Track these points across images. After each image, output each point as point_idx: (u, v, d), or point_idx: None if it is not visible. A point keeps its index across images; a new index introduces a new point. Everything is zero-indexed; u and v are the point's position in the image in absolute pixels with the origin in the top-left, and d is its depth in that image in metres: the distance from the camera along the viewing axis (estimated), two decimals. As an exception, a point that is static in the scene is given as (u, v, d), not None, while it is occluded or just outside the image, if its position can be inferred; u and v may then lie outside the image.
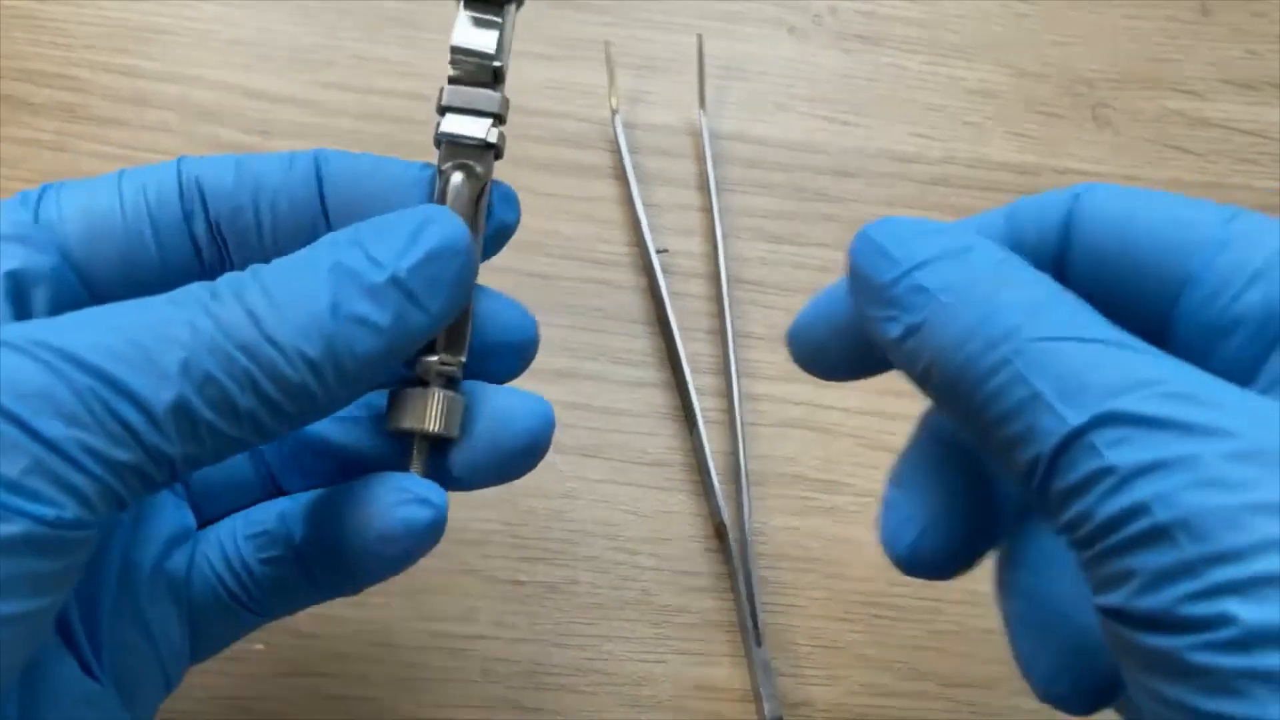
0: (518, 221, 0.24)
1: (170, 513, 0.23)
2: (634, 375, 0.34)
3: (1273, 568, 0.14)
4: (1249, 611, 0.14)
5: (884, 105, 0.39)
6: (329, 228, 0.22)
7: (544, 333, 0.34)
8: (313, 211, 0.22)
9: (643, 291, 0.35)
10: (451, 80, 0.22)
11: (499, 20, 0.23)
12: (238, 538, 0.22)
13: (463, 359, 0.22)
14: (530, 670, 0.30)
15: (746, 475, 0.32)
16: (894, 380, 0.34)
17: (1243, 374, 0.18)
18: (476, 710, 0.29)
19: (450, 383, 0.22)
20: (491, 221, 0.23)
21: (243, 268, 0.21)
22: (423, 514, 0.20)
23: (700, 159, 0.37)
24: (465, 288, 0.21)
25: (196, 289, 0.19)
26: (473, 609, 0.30)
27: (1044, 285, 0.18)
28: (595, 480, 0.32)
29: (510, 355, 0.23)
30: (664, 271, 0.34)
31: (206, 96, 0.37)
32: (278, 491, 0.24)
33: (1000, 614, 0.21)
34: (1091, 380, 0.16)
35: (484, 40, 0.22)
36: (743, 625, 0.30)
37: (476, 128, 0.22)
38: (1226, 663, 0.14)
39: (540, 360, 0.33)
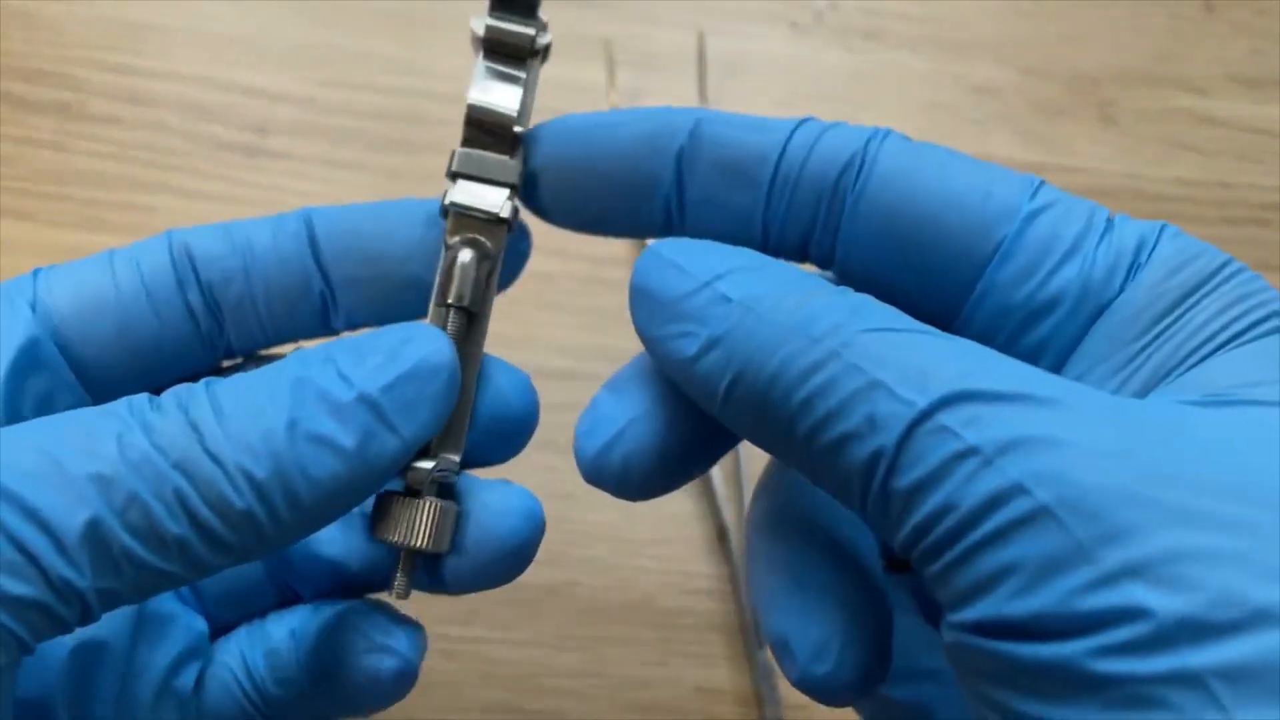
0: (527, 250, 0.23)
1: (181, 626, 0.21)
2: (634, 375, 0.34)
3: (1183, 543, 0.12)
4: (1161, 599, 0.12)
5: (887, 103, 0.39)
6: (328, 288, 0.21)
7: (544, 332, 0.34)
8: (305, 271, 0.21)
9: (643, 291, 0.35)
10: (465, 142, 0.20)
11: (522, 76, 0.20)
12: (255, 653, 0.21)
13: (457, 459, 0.20)
14: (531, 673, 0.30)
15: (748, 477, 0.32)
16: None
17: (1059, 352, 0.17)
18: (476, 713, 0.29)
19: (443, 489, 0.20)
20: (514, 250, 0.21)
21: (239, 339, 0.21)
22: (387, 664, 0.19)
23: (701, 157, 0.37)
24: (444, 411, 0.18)
25: (139, 399, 0.17)
26: (473, 612, 0.30)
27: (851, 293, 0.16)
28: (595, 481, 0.32)
29: (508, 438, 0.21)
30: (665, 271, 0.34)
31: (204, 94, 0.37)
32: (291, 593, 0.22)
33: (749, 580, 0.19)
34: (932, 364, 0.14)
35: (506, 99, 0.20)
36: (744, 628, 0.30)
37: (490, 200, 0.20)
38: (1140, 667, 0.12)
39: (540, 360, 0.33)
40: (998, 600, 0.13)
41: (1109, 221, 0.18)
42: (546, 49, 0.21)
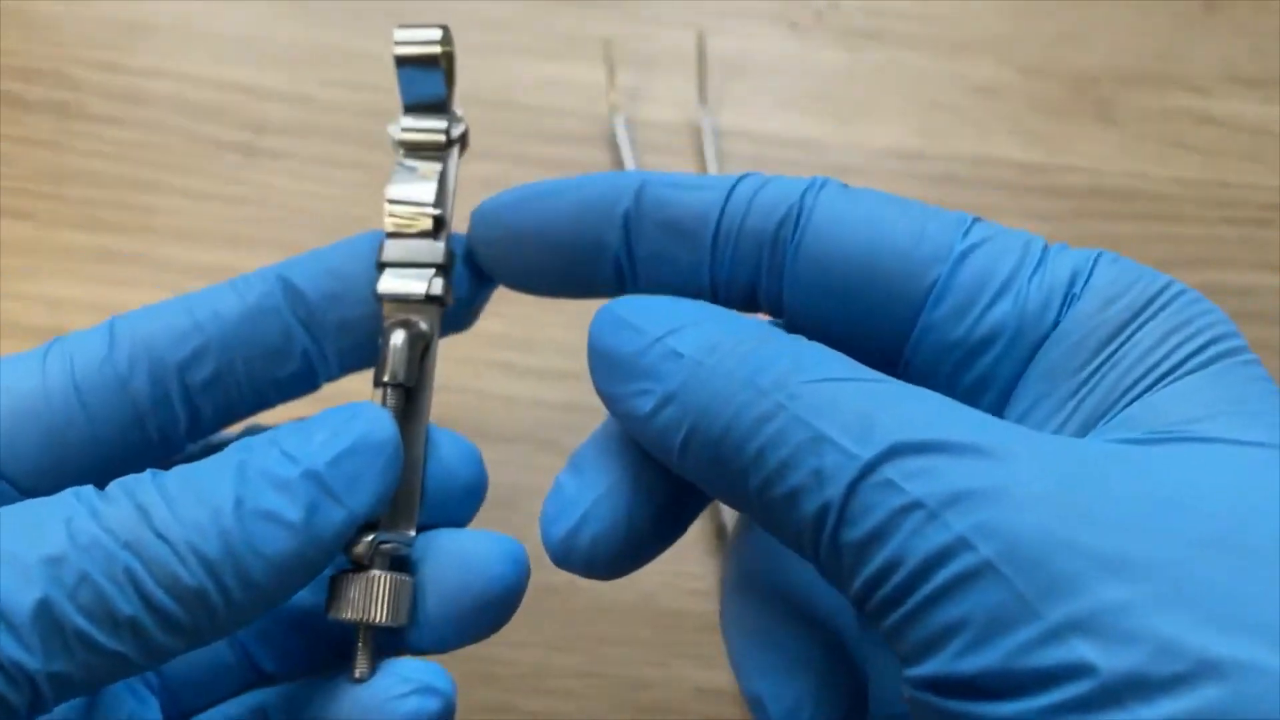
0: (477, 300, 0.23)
1: (127, 711, 0.20)
2: (634, 375, 0.34)
3: (1122, 593, 0.12)
4: (1104, 655, 0.12)
5: (887, 103, 0.39)
6: (313, 341, 0.21)
7: (544, 333, 0.34)
8: (285, 329, 0.21)
9: (643, 290, 0.35)
10: (390, 234, 0.21)
11: (439, 167, 0.22)
12: None
13: (412, 534, 0.20)
14: (530, 674, 0.30)
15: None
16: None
17: (1000, 389, 0.17)
18: (477, 713, 0.29)
19: (396, 563, 0.19)
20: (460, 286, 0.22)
21: (217, 415, 0.21)
22: (431, 705, 0.19)
23: (701, 157, 0.37)
24: (388, 483, 0.19)
25: (85, 489, 0.17)
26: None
27: (799, 341, 0.17)
28: (595, 481, 0.32)
29: (457, 506, 0.21)
30: (665, 270, 0.34)
31: (201, 94, 0.36)
32: (255, 672, 0.21)
33: (723, 636, 0.19)
34: (876, 415, 0.14)
35: (421, 191, 0.21)
36: (745, 628, 0.30)
37: (417, 284, 0.21)
38: None
39: (540, 360, 0.33)
40: (947, 658, 0.13)
41: (1044, 252, 0.18)
42: (463, 136, 0.22)
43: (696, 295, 0.19)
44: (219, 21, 0.38)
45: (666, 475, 0.18)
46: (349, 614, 0.19)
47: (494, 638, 0.30)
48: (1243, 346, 0.16)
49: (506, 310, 0.34)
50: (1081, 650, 0.12)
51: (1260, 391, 0.15)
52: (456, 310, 0.22)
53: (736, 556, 0.20)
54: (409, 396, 0.21)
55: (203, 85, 0.37)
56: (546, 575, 0.31)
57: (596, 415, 0.33)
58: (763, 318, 0.19)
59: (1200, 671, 0.11)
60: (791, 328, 0.18)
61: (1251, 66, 0.40)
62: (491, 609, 0.20)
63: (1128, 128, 0.39)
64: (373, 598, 0.19)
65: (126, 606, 0.16)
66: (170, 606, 0.16)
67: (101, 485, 0.18)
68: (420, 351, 0.21)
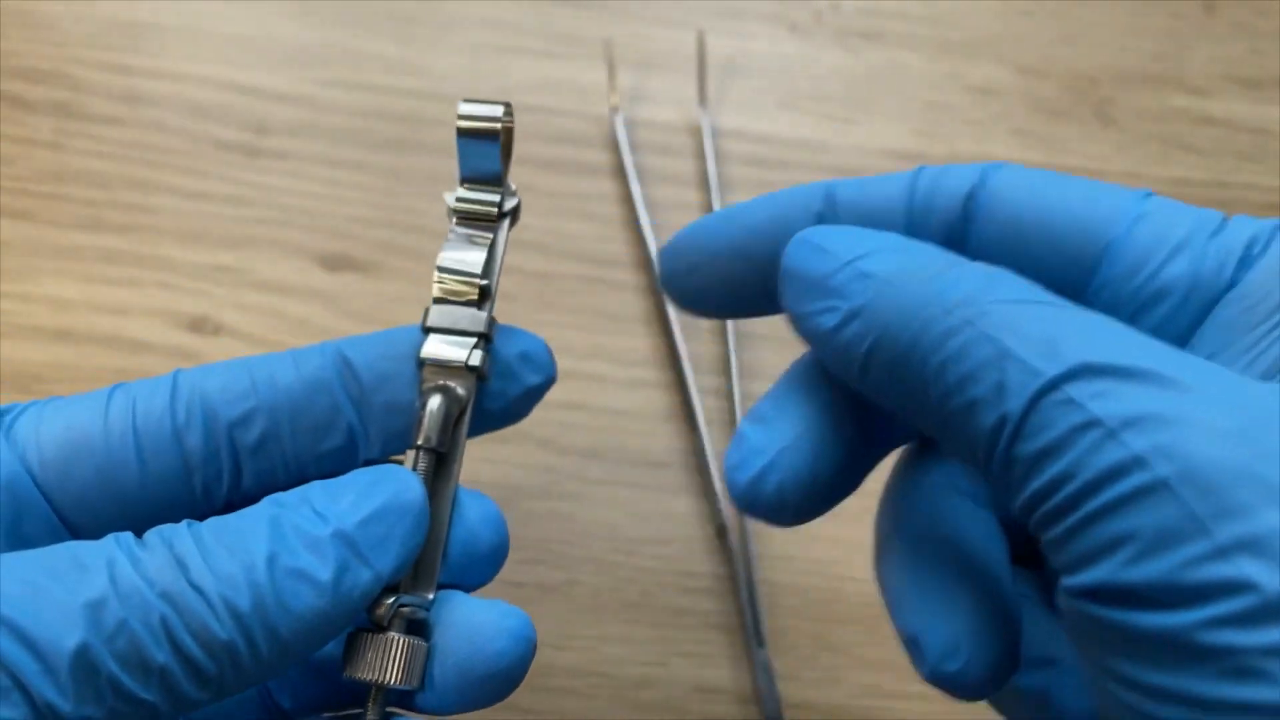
0: (549, 380, 0.23)
1: None
2: (634, 375, 0.34)
3: None
4: (1270, 574, 0.12)
5: (886, 103, 0.39)
6: (358, 418, 0.21)
7: (544, 332, 0.34)
8: (334, 403, 0.21)
9: (643, 291, 0.35)
10: (436, 300, 0.22)
11: (489, 237, 0.22)
12: None
13: (430, 597, 0.20)
14: (531, 672, 0.30)
15: (747, 476, 0.32)
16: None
17: (1172, 342, 0.17)
18: (476, 713, 0.29)
19: (413, 626, 0.20)
20: (516, 383, 0.22)
21: (258, 479, 0.21)
22: None
23: (701, 157, 0.37)
24: (415, 545, 0.19)
25: (124, 535, 0.17)
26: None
27: (991, 267, 0.17)
28: (595, 481, 0.32)
29: (479, 569, 0.22)
30: (664, 270, 0.34)
31: (201, 94, 0.37)
32: (273, 709, 0.22)
33: (879, 580, 0.20)
34: (1062, 336, 0.15)
35: (471, 260, 0.22)
36: (744, 627, 0.30)
37: (459, 351, 0.21)
38: (1246, 640, 0.12)
39: (540, 360, 0.33)
40: (1112, 567, 0.13)
41: (1223, 221, 0.18)
42: (515, 210, 0.23)
43: None
44: (221, 22, 0.38)
45: (848, 424, 0.19)
46: (365, 674, 0.19)
47: (494, 636, 0.30)
48: None
49: (505, 310, 0.34)
50: (1247, 569, 0.12)
51: None
52: (506, 407, 0.23)
53: (894, 502, 0.21)
54: (439, 461, 0.21)
55: (204, 86, 0.37)
56: (547, 575, 0.31)
57: (595, 414, 0.33)
58: None
59: None
60: None
61: (1250, 67, 0.40)
62: (496, 682, 0.20)
63: (1127, 128, 0.39)
64: (388, 660, 0.19)
65: (159, 655, 0.16)
66: (200, 657, 0.16)
67: (139, 532, 0.18)
68: (455, 418, 0.21)
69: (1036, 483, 0.14)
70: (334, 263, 0.34)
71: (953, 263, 0.17)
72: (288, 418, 0.21)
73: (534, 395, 0.23)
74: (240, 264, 0.34)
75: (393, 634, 0.19)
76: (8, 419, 0.20)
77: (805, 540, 0.32)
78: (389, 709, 0.20)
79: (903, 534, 0.20)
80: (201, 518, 0.21)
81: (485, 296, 0.22)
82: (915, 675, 0.30)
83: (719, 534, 0.31)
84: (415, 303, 0.34)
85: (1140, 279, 0.18)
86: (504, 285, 0.34)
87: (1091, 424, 0.14)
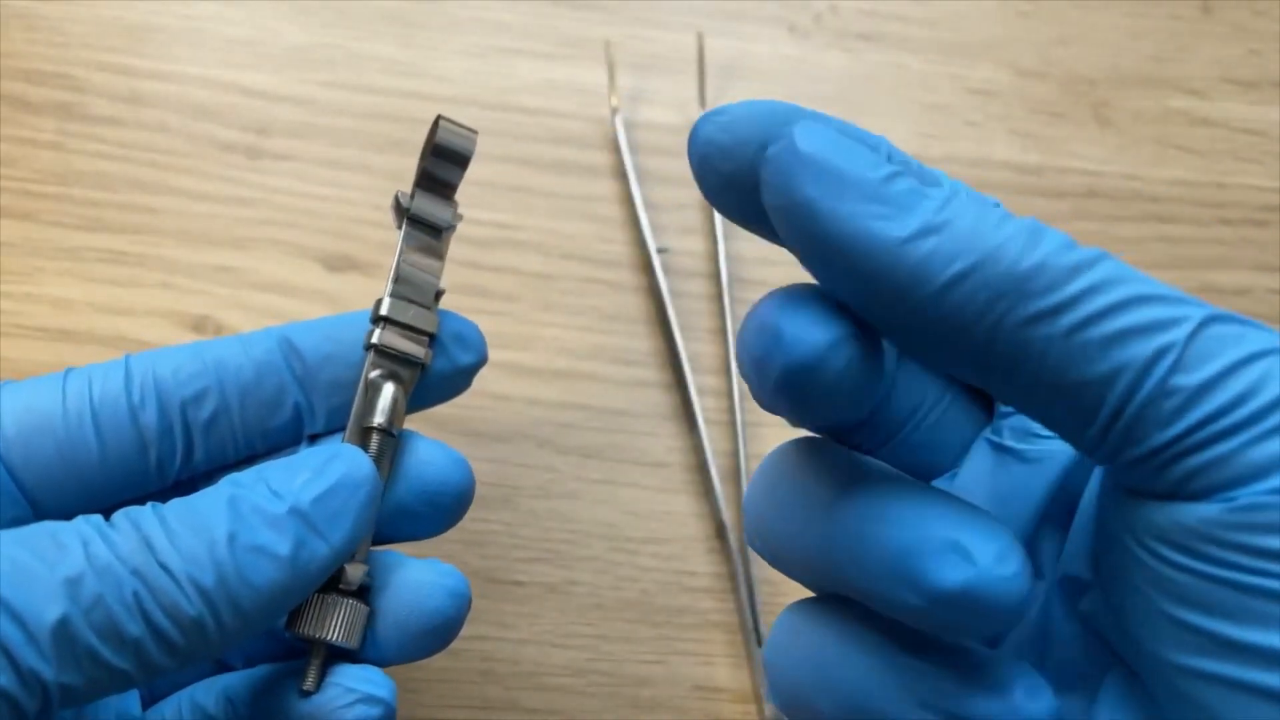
0: (481, 359, 0.24)
1: (111, 702, 0.22)
2: (634, 375, 0.34)
3: None
4: None
5: (885, 104, 0.39)
6: (304, 396, 0.23)
7: (544, 332, 0.34)
8: (280, 382, 0.23)
9: (643, 291, 0.35)
10: (392, 295, 0.23)
11: (439, 245, 0.24)
12: (188, 716, 0.22)
13: (365, 568, 0.22)
14: (530, 671, 0.30)
15: (746, 475, 0.32)
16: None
17: None
18: (476, 711, 0.29)
19: (356, 590, 0.21)
20: (448, 361, 0.24)
21: (209, 455, 0.22)
22: (373, 714, 0.20)
23: (700, 158, 0.37)
24: (367, 520, 0.21)
25: (94, 518, 0.18)
26: (473, 609, 0.30)
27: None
28: (595, 480, 0.32)
29: (438, 515, 0.23)
30: (664, 271, 0.34)
31: (203, 95, 0.37)
32: (221, 666, 0.23)
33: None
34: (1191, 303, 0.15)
35: (429, 265, 0.24)
36: (743, 626, 0.30)
37: (413, 346, 0.23)
38: None
39: (540, 360, 0.33)
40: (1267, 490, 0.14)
41: None
42: (456, 226, 0.25)
43: None
44: (223, 23, 0.38)
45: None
46: (307, 629, 0.21)
47: (494, 634, 0.30)
48: None
49: (504, 309, 0.34)
50: None
51: None
52: (441, 384, 0.24)
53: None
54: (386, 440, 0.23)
55: (206, 87, 0.37)
56: (546, 573, 0.31)
57: (597, 415, 0.33)
58: None
59: None
60: None
61: (1248, 69, 0.41)
62: (434, 637, 0.22)
63: (1125, 129, 0.39)
64: (330, 619, 0.21)
65: (133, 628, 0.17)
66: (170, 631, 0.17)
67: (100, 507, 0.19)
68: (405, 401, 0.23)
69: (1200, 411, 0.14)
70: (336, 263, 0.34)
71: (995, 204, 0.16)
72: (237, 396, 0.22)
73: (468, 373, 0.24)
74: (242, 264, 0.34)
75: (333, 596, 0.21)
76: None
77: (804, 540, 0.32)
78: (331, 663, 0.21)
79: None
80: (157, 494, 0.22)
81: (437, 298, 0.24)
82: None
83: (719, 533, 0.31)
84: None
85: None
86: (504, 285, 0.34)
87: (1267, 352, 0.14)
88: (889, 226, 0.15)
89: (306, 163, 0.36)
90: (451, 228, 0.24)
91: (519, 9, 0.39)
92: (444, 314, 0.24)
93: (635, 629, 0.30)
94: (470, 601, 0.22)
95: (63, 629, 0.16)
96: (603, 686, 0.30)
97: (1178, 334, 0.15)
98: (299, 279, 0.34)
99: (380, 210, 0.35)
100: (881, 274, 0.16)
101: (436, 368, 0.24)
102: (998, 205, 0.16)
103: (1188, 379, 0.14)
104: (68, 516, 0.20)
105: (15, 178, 0.35)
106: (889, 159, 0.17)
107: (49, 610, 0.16)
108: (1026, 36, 0.41)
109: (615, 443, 0.33)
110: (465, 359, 0.24)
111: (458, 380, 0.24)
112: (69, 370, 0.22)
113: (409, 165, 0.36)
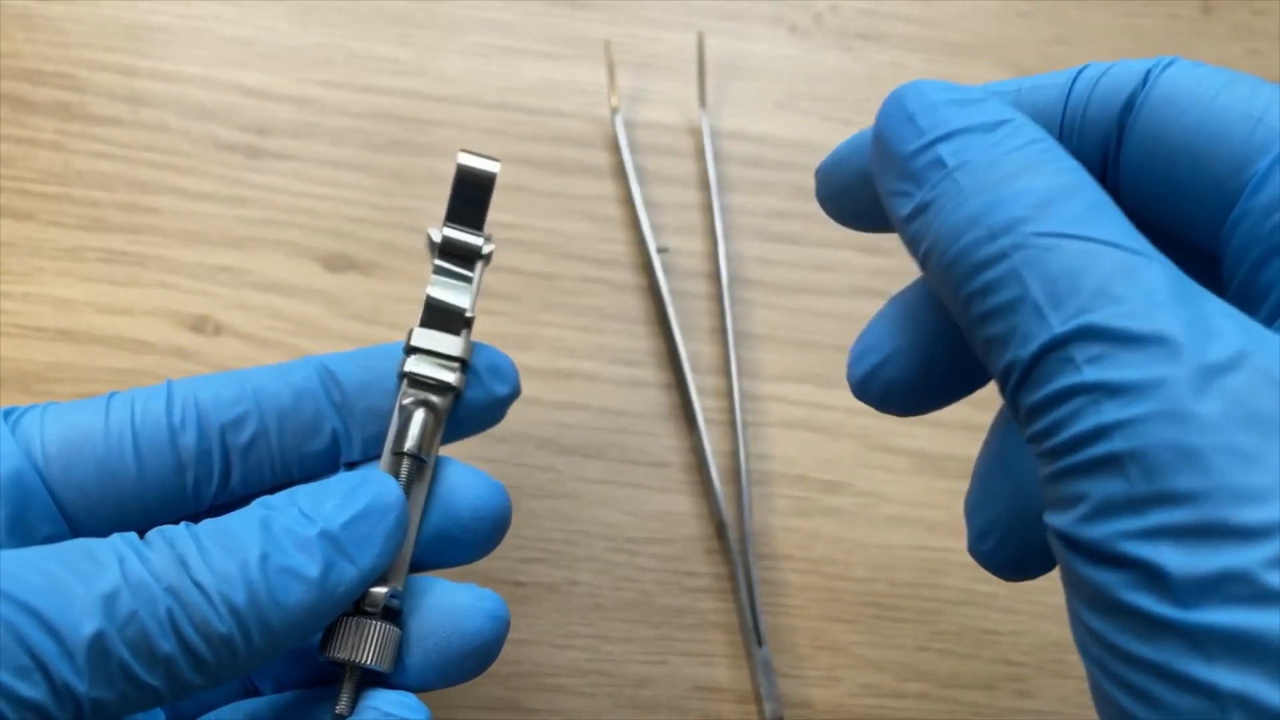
0: (515, 391, 0.25)
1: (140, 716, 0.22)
2: (634, 375, 0.34)
3: (1212, 516, 0.13)
4: (1179, 561, 0.13)
5: (885, 104, 0.39)
6: (342, 423, 0.23)
7: (544, 332, 0.34)
8: (318, 409, 0.23)
9: (643, 291, 0.35)
10: (423, 324, 0.24)
11: (472, 275, 0.25)
12: None
13: (400, 589, 0.22)
14: (531, 671, 0.30)
15: (747, 475, 0.32)
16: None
17: None
18: (476, 711, 0.29)
19: (387, 614, 0.22)
20: (483, 391, 0.24)
21: (246, 480, 0.23)
22: None
23: (701, 158, 0.37)
24: (395, 544, 0.21)
25: (129, 535, 0.19)
26: (472, 610, 0.30)
27: (1067, 174, 0.16)
28: (595, 480, 0.32)
29: (475, 543, 0.23)
30: (664, 271, 0.34)
31: (204, 95, 0.37)
32: (252, 692, 0.23)
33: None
34: (1083, 285, 0.15)
35: (457, 294, 0.24)
36: (743, 626, 0.30)
37: (443, 371, 0.24)
38: (1155, 609, 0.13)
39: (540, 360, 0.33)
40: (1070, 519, 0.15)
41: None
42: (490, 255, 0.25)
43: None
44: (223, 24, 0.38)
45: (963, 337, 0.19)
46: (340, 653, 0.21)
47: (494, 635, 0.30)
48: None
49: (505, 309, 0.34)
50: (1165, 555, 0.13)
51: None
52: (476, 415, 0.25)
53: (995, 423, 0.21)
54: (418, 467, 0.23)
55: (206, 87, 0.37)
56: (547, 573, 0.31)
57: (593, 414, 0.33)
58: None
59: (1257, 599, 0.13)
60: (1127, 213, 0.18)
61: (1248, 69, 0.40)
62: (471, 660, 0.22)
63: (1125, 129, 0.39)
64: (363, 643, 0.21)
65: (165, 645, 0.17)
66: (201, 648, 0.18)
67: (135, 527, 0.19)
68: (434, 429, 0.23)
69: (1031, 429, 0.15)
70: (335, 263, 0.34)
71: (1026, 165, 0.16)
72: (275, 421, 0.23)
73: (502, 404, 0.25)
74: (242, 264, 0.34)
75: (367, 619, 0.21)
76: (12, 417, 0.22)
77: (804, 539, 0.32)
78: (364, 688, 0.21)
79: (986, 445, 0.21)
80: (192, 517, 0.22)
81: (466, 325, 0.24)
82: (914, 674, 0.30)
83: (718, 533, 0.31)
84: (416, 303, 0.34)
85: (1277, 218, 0.16)
86: (505, 285, 0.34)
87: (1081, 388, 0.14)
88: (900, 204, 0.17)
89: (306, 162, 0.36)
90: (483, 256, 0.25)
91: (519, 9, 0.39)
92: (479, 346, 0.24)
93: (635, 629, 0.30)
94: (509, 624, 0.22)
95: (97, 644, 0.17)
96: (603, 686, 0.30)
97: (1024, 352, 0.15)
98: (299, 279, 0.34)
99: (380, 210, 0.35)
100: (904, 243, 0.18)
101: (471, 398, 0.24)
102: (1020, 160, 0.16)
103: (1027, 397, 0.15)
104: (102, 535, 0.21)
105: (15, 178, 0.35)
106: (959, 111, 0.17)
107: (84, 625, 0.17)
108: (1026, 36, 0.41)
109: (615, 443, 0.33)
110: (500, 390, 0.24)
111: (493, 411, 0.25)
112: (113, 393, 0.22)
113: (409, 165, 0.36)
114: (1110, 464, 0.14)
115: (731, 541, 0.31)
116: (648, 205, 0.36)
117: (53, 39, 0.37)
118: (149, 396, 0.22)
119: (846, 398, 0.34)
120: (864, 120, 0.39)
